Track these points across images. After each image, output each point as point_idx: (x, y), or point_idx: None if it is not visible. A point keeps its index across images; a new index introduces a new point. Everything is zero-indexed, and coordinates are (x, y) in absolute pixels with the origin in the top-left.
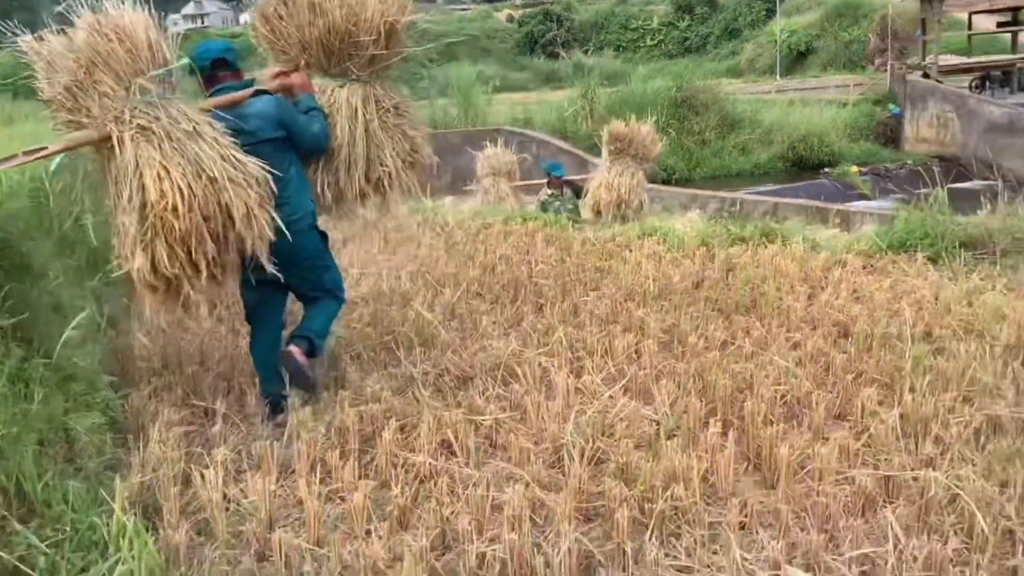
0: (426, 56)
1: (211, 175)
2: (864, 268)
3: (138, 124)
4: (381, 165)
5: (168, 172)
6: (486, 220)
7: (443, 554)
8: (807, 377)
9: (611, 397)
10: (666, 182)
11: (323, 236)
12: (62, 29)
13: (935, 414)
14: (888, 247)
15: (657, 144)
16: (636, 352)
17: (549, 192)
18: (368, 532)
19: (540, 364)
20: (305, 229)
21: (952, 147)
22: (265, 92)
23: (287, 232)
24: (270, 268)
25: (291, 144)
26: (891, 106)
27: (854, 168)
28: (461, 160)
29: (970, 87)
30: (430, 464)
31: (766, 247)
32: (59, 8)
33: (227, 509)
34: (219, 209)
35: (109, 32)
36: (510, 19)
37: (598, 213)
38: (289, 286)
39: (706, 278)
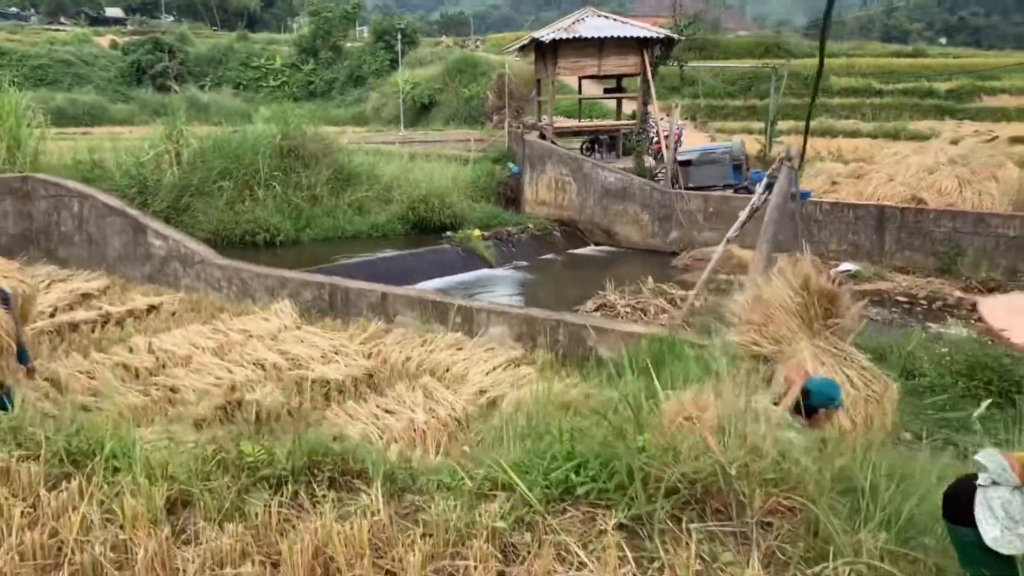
0: None
1: None
2: None
3: None
4: None
5: None
6: None
7: None
8: None
9: None
10: (270, 245)
11: None
12: None
13: None
14: (547, 503)
15: None
16: None
17: None
18: None
19: None
20: None
21: (570, 211)
22: None
23: None
24: None
25: None
26: (511, 165)
27: (476, 232)
28: None
29: (581, 150)
30: None
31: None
32: None
33: None
34: None
35: None
36: (114, 46)
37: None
38: None
39: None
